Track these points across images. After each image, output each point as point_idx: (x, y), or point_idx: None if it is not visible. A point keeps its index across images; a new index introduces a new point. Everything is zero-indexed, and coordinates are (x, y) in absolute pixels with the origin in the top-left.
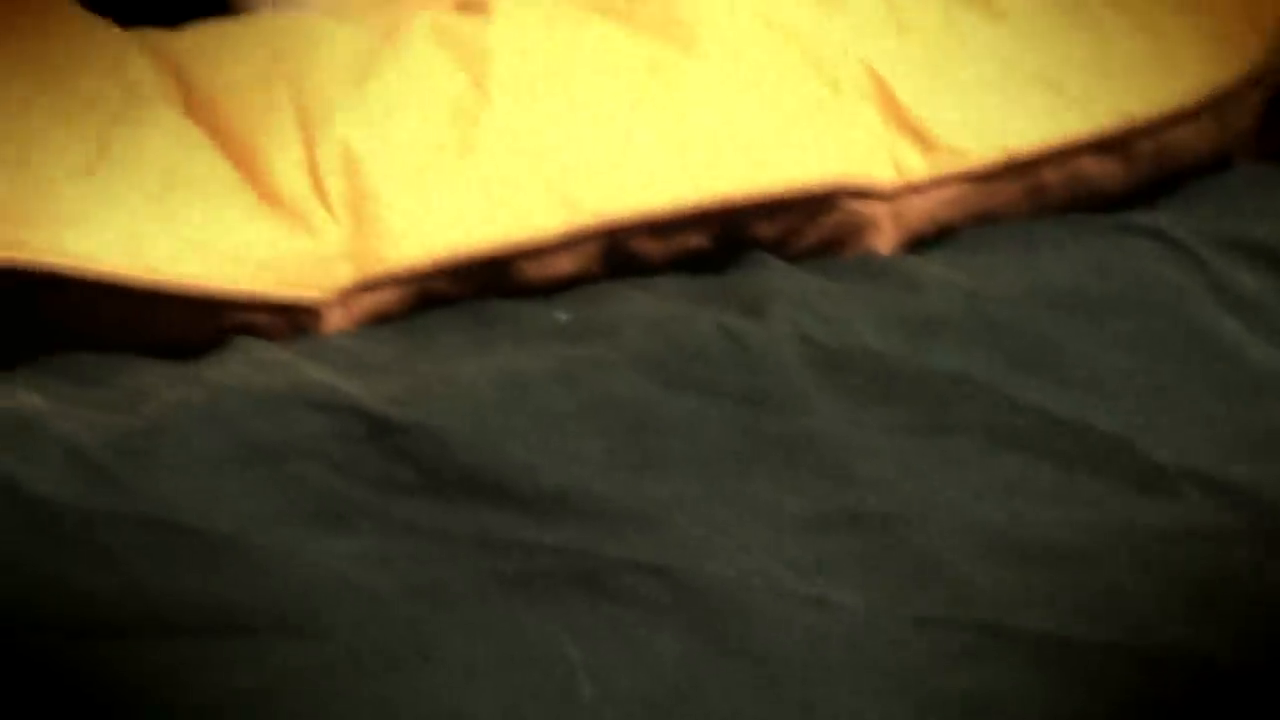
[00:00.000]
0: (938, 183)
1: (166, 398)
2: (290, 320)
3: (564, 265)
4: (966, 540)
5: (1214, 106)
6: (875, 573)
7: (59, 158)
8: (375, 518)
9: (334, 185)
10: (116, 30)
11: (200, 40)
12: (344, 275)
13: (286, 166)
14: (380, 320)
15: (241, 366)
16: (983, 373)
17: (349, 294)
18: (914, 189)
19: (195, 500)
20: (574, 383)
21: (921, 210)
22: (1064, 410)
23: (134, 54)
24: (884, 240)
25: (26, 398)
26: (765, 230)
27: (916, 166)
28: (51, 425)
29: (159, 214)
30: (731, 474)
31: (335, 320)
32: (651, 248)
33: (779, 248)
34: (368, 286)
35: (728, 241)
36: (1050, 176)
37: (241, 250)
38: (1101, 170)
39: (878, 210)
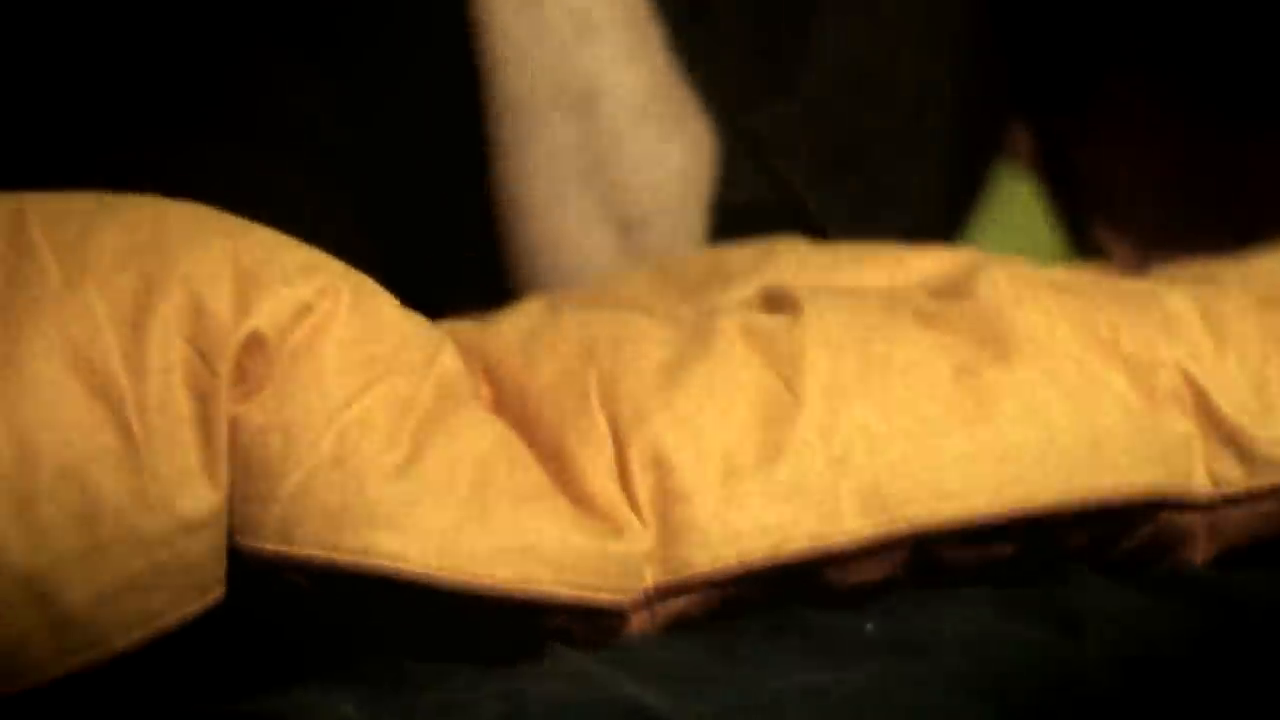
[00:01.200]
0: (1255, 496)
1: (480, 711)
2: (595, 624)
3: (870, 572)
4: None
5: None
6: None
7: (373, 458)
8: None
9: (643, 488)
10: (426, 325)
11: (510, 336)
12: (650, 579)
13: (596, 468)
14: (683, 623)
15: (554, 679)
16: None
17: (654, 598)
18: (1231, 501)
19: None
20: (885, 701)
21: (1238, 522)
22: None
23: (445, 350)
24: (1199, 552)
25: (339, 706)
26: (1076, 539)
27: (1234, 478)
28: None
29: (470, 516)
30: None
31: (639, 623)
32: (959, 555)
33: (1090, 557)
34: (674, 591)
35: (1038, 549)
36: None
37: (552, 554)
38: None
39: (1193, 522)
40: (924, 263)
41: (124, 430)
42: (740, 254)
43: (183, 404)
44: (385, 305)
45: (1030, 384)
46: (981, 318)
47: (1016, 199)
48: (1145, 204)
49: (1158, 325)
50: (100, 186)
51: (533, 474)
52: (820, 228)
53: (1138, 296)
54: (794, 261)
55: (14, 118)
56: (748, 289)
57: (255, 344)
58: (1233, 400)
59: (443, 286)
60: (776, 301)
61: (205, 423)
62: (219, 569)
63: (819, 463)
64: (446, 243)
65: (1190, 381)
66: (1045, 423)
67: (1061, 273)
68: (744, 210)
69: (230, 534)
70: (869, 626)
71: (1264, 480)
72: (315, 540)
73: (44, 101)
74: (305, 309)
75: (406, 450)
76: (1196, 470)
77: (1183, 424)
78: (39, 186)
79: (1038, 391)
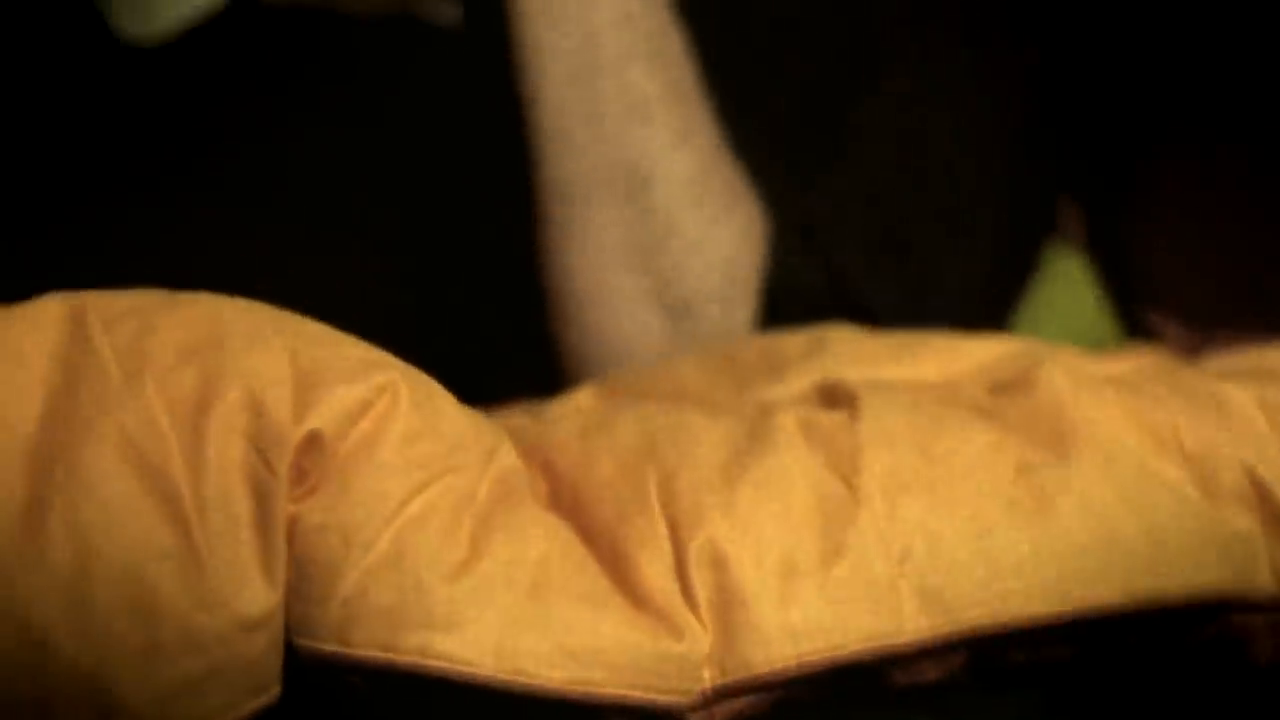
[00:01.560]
0: None
1: None
2: None
3: (929, 673)
4: None
5: None
6: None
7: (431, 558)
8: None
9: (702, 588)
10: (484, 421)
11: (566, 430)
12: (709, 680)
13: (654, 567)
14: None
15: None
16: None
17: (713, 699)
18: None
19: None
20: None
21: None
22: None
23: (503, 447)
24: (1263, 652)
25: None
26: (1138, 640)
27: None
28: None
29: (529, 617)
30: None
31: None
32: (1018, 656)
33: (1152, 658)
34: (732, 692)
35: (1097, 650)
36: None
37: (610, 654)
38: None
39: (1257, 622)
40: (979, 353)
41: (182, 529)
42: (792, 342)
43: (241, 503)
44: (443, 403)
45: (1091, 483)
46: (1041, 415)
47: (1067, 278)
48: (1196, 286)
49: (1219, 421)
50: (124, 261)
51: (591, 574)
52: (871, 312)
53: (1198, 391)
54: (847, 350)
55: (20, 184)
56: (801, 379)
57: (314, 443)
58: None
59: (492, 373)
60: (833, 397)
61: (264, 522)
62: (276, 668)
63: (878, 562)
64: (495, 328)
65: (1254, 479)
66: (1106, 523)
67: (1120, 365)
68: (794, 294)
69: (287, 633)
70: None
71: None
72: (372, 641)
73: (47, 171)
74: (364, 407)
75: (464, 550)
76: (1261, 569)
77: (1246, 522)
78: (44, 258)
79: (1098, 491)
